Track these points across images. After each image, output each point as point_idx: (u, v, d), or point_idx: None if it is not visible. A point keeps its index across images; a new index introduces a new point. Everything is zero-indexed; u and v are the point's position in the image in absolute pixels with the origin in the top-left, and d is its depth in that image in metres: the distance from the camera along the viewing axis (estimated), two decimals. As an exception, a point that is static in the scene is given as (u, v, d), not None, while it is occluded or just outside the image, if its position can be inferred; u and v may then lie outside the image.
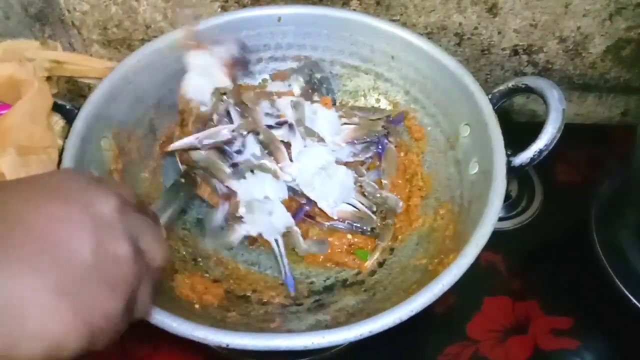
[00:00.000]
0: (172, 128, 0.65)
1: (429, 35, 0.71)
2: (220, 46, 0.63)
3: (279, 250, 0.56)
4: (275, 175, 0.58)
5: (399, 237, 0.59)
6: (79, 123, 0.53)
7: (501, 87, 0.54)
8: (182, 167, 0.60)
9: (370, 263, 0.57)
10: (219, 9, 0.69)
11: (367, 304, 0.53)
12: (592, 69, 0.74)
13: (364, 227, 0.58)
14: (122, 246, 0.30)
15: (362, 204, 0.60)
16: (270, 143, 0.59)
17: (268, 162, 0.59)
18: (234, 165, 0.59)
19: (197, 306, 0.52)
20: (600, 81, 0.76)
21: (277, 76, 0.69)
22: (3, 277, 0.26)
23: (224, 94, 0.62)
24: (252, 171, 0.59)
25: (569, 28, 0.69)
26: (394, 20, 0.69)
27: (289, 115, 0.61)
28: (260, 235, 0.57)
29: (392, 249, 0.59)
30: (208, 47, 0.62)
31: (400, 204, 0.60)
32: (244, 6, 0.69)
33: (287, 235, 0.58)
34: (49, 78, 0.69)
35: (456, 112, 0.58)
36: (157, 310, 0.41)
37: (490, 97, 0.54)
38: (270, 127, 0.60)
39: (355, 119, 0.63)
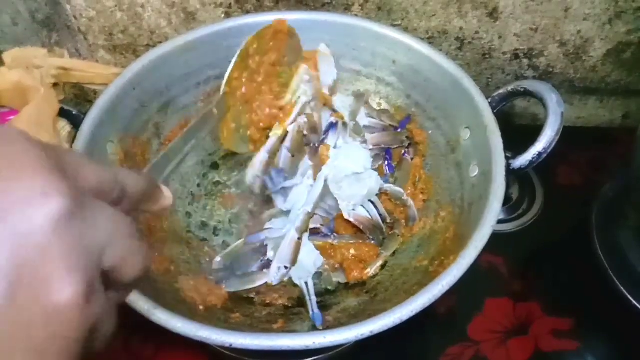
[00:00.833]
0: (177, 132, 0.66)
1: (430, 40, 0.72)
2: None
3: (309, 292, 0.56)
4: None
5: (401, 239, 0.60)
6: (86, 128, 0.54)
7: (501, 91, 0.55)
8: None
9: (372, 271, 0.58)
10: (223, 15, 0.71)
11: (369, 305, 0.54)
12: (592, 72, 0.75)
13: (374, 237, 0.59)
14: (65, 285, 0.19)
15: (378, 212, 0.60)
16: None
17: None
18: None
19: (201, 307, 0.52)
20: (601, 84, 0.76)
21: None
22: None
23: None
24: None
25: (569, 32, 0.70)
26: (395, 25, 0.70)
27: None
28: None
29: (393, 252, 0.59)
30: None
31: (417, 215, 0.60)
32: (247, 12, 0.70)
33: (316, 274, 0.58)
34: (56, 84, 0.70)
35: (457, 116, 0.58)
36: (161, 311, 0.42)
37: (490, 100, 0.55)
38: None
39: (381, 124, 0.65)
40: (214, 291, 0.55)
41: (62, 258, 0.19)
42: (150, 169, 0.40)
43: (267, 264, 0.57)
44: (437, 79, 0.60)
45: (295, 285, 0.57)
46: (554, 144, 0.49)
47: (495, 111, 0.54)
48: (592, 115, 0.80)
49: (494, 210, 0.47)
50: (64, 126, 0.65)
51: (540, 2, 0.67)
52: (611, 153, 0.75)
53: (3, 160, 0.20)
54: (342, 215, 0.60)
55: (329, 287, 0.57)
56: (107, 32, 0.73)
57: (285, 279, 0.57)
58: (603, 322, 0.60)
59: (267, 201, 0.61)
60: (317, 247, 0.58)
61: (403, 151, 0.64)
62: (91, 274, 0.20)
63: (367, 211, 0.60)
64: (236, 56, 0.57)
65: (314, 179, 0.60)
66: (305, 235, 0.58)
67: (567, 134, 0.51)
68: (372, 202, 0.61)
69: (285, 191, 0.60)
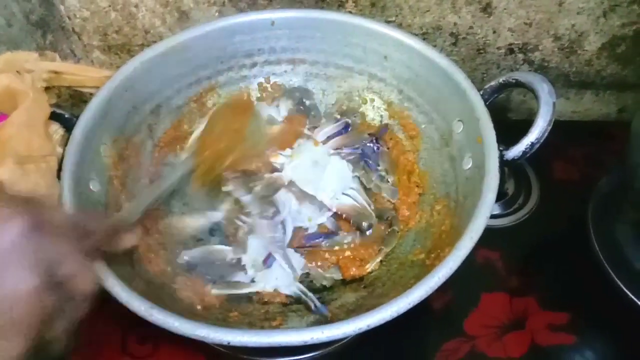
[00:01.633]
0: (170, 134, 0.66)
1: (425, 36, 0.72)
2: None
3: (304, 294, 0.55)
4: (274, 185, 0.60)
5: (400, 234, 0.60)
6: (78, 131, 0.54)
7: (492, 83, 0.55)
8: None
9: (371, 267, 0.58)
10: (217, 13, 0.71)
11: (367, 300, 0.54)
12: (588, 66, 0.74)
13: (358, 224, 0.59)
14: (24, 279, 0.26)
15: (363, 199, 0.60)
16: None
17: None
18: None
19: (198, 307, 0.53)
20: (596, 78, 0.76)
21: (267, 97, 0.70)
22: None
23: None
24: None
25: (564, 26, 0.70)
26: (389, 22, 0.70)
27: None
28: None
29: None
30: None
31: (397, 195, 0.61)
32: (241, 10, 0.70)
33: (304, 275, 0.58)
34: (47, 88, 0.70)
35: (449, 109, 0.58)
36: (159, 310, 0.42)
37: (482, 92, 0.55)
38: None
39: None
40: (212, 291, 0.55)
41: (19, 261, 0.26)
42: (130, 208, 0.47)
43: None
44: (428, 74, 0.60)
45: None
46: (546, 134, 0.49)
47: (487, 103, 0.54)
48: (588, 109, 0.80)
49: (488, 201, 0.47)
50: (57, 129, 0.65)
51: (534, -4, 0.67)
52: (607, 147, 0.75)
53: None
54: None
55: (324, 284, 0.57)
56: (102, 32, 0.73)
57: (271, 289, 0.56)
58: (599, 316, 0.60)
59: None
60: (310, 252, 0.59)
61: (374, 146, 0.64)
62: (44, 277, 0.27)
63: (352, 199, 0.60)
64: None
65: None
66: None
67: (563, 128, 0.52)
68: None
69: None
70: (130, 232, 0.40)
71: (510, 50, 0.73)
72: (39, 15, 0.71)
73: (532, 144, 0.50)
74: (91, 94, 0.75)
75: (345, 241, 0.59)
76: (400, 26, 0.70)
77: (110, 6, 0.70)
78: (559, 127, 0.51)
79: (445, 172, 0.59)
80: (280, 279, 0.56)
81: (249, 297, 0.56)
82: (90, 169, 0.54)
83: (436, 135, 0.61)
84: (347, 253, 0.58)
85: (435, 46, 0.63)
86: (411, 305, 0.41)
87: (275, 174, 0.62)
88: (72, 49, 0.75)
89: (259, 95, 0.71)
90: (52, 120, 0.59)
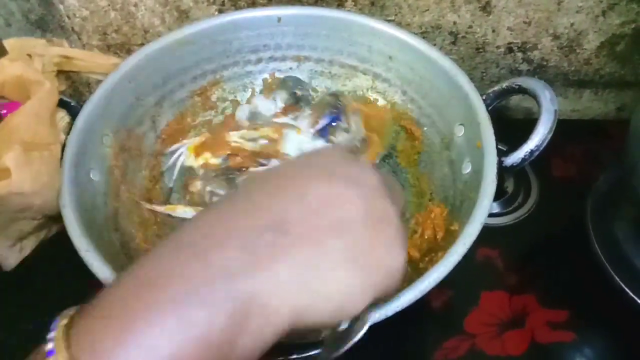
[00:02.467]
0: (173, 126, 0.66)
1: (424, 35, 0.72)
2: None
3: None
4: None
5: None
6: (80, 121, 0.55)
7: (495, 88, 0.55)
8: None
9: None
10: (216, 13, 0.70)
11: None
12: (587, 65, 0.75)
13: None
14: (388, 206, 0.32)
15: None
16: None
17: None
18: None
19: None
20: (595, 77, 0.76)
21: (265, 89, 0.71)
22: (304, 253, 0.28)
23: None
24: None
25: (563, 25, 0.70)
26: (388, 20, 0.70)
27: None
28: None
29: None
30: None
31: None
32: (241, 9, 0.70)
33: None
34: (58, 72, 0.70)
35: (451, 113, 0.59)
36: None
37: (484, 97, 0.55)
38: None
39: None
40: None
41: (384, 194, 0.33)
42: None
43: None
44: (432, 76, 0.60)
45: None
46: (546, 141, 0.50)
47: (489, 108, 0.54)
48: (587, 107, 0.81)
49: (483, 207, 0.47)
50: (63, 117, 0.65)
51: (533, -6, 0.67)
52: (606, 145, 0.76)
53: (338, 164, 0.33)
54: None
55: None
56: (101, 32, 0.73)
57: None
58: (598, 313, 0.60)
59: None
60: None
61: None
62: (394, 202, 0.34)
63: None
64: None
65: None
66: None
67: (562, 127, 0.52)
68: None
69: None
70: None
71: (510, 49, 0.73)
72: (38, 14, 0.70)
73: (532, 151, 0.50)
74: (90, 88, 0.76)
75: None
76: (399, 25, 0.70)
77: (109, 5, 0.69)
78: (557, 125, 0.52)
79: (444, 175, 0.59)
80: None
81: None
82: (92, 158, 0.55)
83: (437, 138, 0.61)
84: None
85: (434, 45, 0.63)
86: (399, 309, 0.41)
87: (261, 168, 0.62)
88: (71, 48, 0.74)
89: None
90: (60, 107, 0.60)
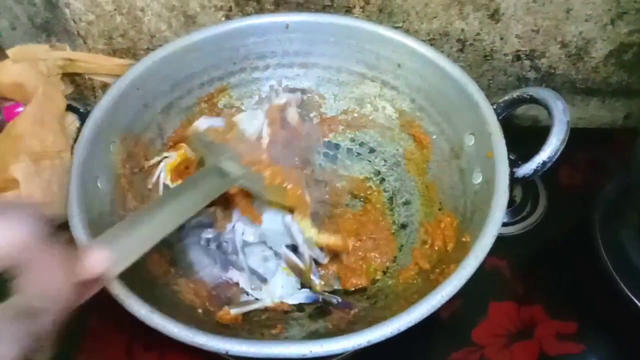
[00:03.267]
0: (180, 133, 0.66)
1: (431, 42, 0.72)
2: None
3: (322, 294, 0.56)
4: None
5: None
6: (87, 129, 0.54)
7: (506, 97, 0.55)
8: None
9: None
10: (223, 18, 0.70)
11: (369, 312, 0.54)
12: (594, 73, 0.75)
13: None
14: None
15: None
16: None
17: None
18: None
19: (199, 311, 0.53)
20: (602, 85, 0.76)
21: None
22: None
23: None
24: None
25: (571, 33, 0.70)
26: (396, 27, 0.69)
27: None
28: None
29: (395, 257, 0.59)
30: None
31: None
32: (248, 15, 0.69)
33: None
34: (63, 76, 0.69)
35: (461, 121, 0.58)
36: (159, 315, 0.42)
37: (495, 107, 0.55)
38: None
39: None
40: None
41: None
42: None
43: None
44: (441, 84, 0.60)
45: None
46: (559, 153, 0.49)
47: (499, 118, 0.54)
48: (594, 115, 0.80)
49: (496, 220, 0.47)
50: (73, 121, 0.65)
51: (542, 3, 0.66)
52: (613, 154, 0.75)
53: None
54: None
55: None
56: (107, 36, 0.72)
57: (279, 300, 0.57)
58: (607, 324, 0.60)
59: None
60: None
61: None
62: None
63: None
64: None
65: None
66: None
67: (569, 134, 0.51)
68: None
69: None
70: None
71: (517, 57, 0.73)
72: (43, 18, 0.70)
73: (544, 163, 0.49)
74: (95, 95, 0.76)
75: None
76: (407, 32, 0.70)
77: (115, 10, 0.69)
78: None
79: (454, 185, 0.58)
80: (285, 286, 0.57)
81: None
82: (98, 166, 0.55)
83: (447, 147, 0.60)
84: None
85: (442, 52, 0.63)
86: (412, 324, 0.41)
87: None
88: (76, 52, 0.74)
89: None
90: (70, 112, 0.59)
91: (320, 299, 0.56)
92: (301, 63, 0.68)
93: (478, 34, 0.71)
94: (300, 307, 0.56)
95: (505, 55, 0.73)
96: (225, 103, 0.69)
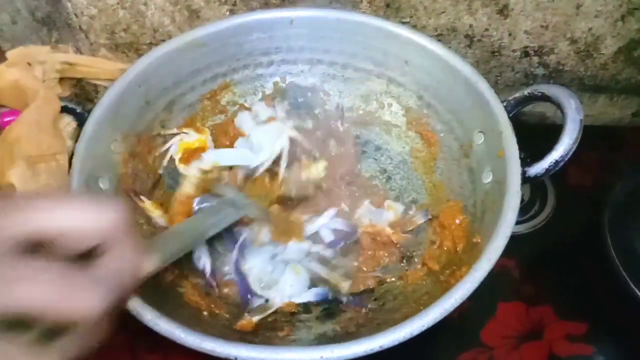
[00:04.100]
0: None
1: (439, 37, 0.71)
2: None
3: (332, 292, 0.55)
4: None
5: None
6: (89, 127, 0.54)
7: (516, 95, 0.54)
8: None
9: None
10: (227, 13, 0.69)
11: (377, 314, 0.53)
12: (603, 70, 0.74)
13: None
14: None
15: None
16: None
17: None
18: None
19: (205, 313, 0.52)
20: (611, 82, 0.75)
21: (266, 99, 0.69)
22: None
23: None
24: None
25: (580, 29, 0.69)
26: (403, 23, 0.68)
27: None
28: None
29: (402, 258, 0.58)
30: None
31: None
32: (253, 9, 0.68)
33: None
34: (61, 80, 0.68)
35: (470, 119, 0.57)
36: (165, 320, 0.41)
37: (505, 104, 0.54)
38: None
39: None
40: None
41: None
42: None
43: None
44: (450, 81, 0.59)
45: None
46: (571, 152, 0.48)
47: (510, 115, 0.53)
48: (602, 113, 0.80)
49: (508, 221, 0.46)
50: (69, 122, 0.64)
51: (552, -2, 0.65)
52: (620, 152, 0.75)
53: None
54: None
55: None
56: (109, 31, 0.71)
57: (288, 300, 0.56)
58: (618, 326, 0.60)
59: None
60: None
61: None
62: None
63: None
64: None
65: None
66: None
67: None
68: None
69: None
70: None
71: (526, 53, 0.72)
72: (44, 12, 0.69)
73: (557, 162, 0.49)
74: (97, 92, 0.75)
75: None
76: (414, 27, 0.69)
77: (118, 4, 0.68)
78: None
79: (463, 184, 0.58)
80: (294, 285, 0.56)
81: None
82: (100, 166, 0.54)
83: (455, 145, 0.59)
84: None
85: (450, 48, 0.62)
86: (425, 327, 0.41)
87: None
88: (78, 47, 0.73)
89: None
90: (65, 113, 0.58)
91: (330, 296, 0.55)
92: (306, 59, 0.68)
93: (486, 29, 0.70)
94: (307, 308, 0.55)
95: (514, 51, 0.72)
96: (228, 100, 0.68)
